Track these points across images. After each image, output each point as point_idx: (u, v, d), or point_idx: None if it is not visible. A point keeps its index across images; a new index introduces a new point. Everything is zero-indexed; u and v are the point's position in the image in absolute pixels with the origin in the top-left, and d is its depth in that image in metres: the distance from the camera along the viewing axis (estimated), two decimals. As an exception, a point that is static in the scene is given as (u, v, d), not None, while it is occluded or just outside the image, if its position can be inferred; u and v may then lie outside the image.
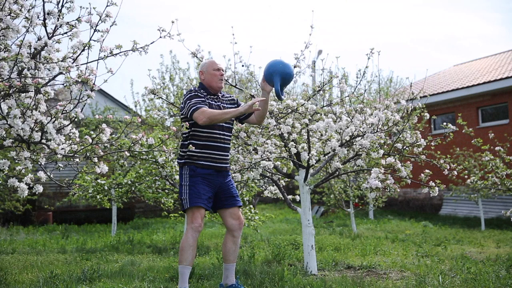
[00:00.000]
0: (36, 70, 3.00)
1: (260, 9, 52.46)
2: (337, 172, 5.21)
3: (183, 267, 3.64)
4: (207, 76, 3.93)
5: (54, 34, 3.12)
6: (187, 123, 3.63)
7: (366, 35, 45.33)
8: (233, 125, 4.06)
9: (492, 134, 6.99)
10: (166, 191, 8.17)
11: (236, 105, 4.03)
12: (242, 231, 3.96)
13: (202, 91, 3.89)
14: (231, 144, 4.10)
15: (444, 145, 11.26)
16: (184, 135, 3.86)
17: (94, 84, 3.00)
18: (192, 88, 3.89)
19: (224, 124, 3.88)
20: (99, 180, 8.16)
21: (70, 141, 3.21)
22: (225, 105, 3.95)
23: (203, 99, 3.79)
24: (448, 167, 4.52)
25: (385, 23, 48.04)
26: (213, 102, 3.88)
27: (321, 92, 5.04)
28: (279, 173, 5.14)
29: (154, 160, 6.52)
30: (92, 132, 3.33)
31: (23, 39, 2.98)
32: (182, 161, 3.81)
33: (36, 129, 2.98)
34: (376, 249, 6.56)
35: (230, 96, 4.09)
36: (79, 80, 2.96)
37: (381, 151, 4.52)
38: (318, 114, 4.88)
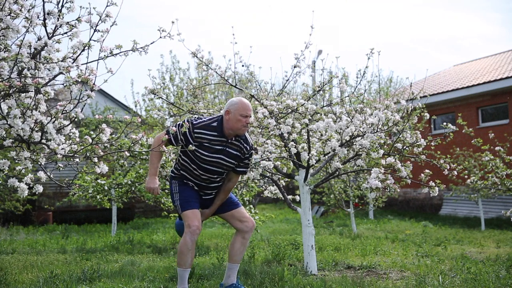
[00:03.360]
0: (36, 70, 3.00)
1: (260, 9, 52.48)
2: (337, 172, 5.21)
3: (182, 270, 3.65)
4: (232, 118, 3.62)
5: (54, 34, 3.12)
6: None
7: (366, 35, 45.36)
8: (225, 171, 3.79)
9: (492, 134, 6.99)
10: (166, 191, 8.17)
11: (242, 156, 3.76)
12: (252, 232, 3.92)
13: (201, 132, 3.62)
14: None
15: (444, 145, 11.26)
16: (176, 158, 3.89)
17: (94, 84, 3.00)
18: (197, 119, 3.70)
19: (213, 168, 3.70)
20: (99, 180, 8.16)
21: (70, 141, 3.21)
22: (231, 150, 3.70)
23: (181, 136, 3.61)
24: (448, 167, 4.52)
25: (385, 23, 48.07)
26: (218, 147, 3.67)
27: (321, 92, 5.04)
28: (279, 173, 5.14)
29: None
30: (92, 132, 3.34)
31: (23, 39, 2.98)
32: (172, 175, 3.87)
33: (36, 129, 2.98)
34: (376, 249, 6.56)
35: (244, 146, 3.75)
36: (79, 80, 2.96)
37: (381, 151, 4.52)
38: (318, 114, 4.88)
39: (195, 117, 3.80)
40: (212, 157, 3.66)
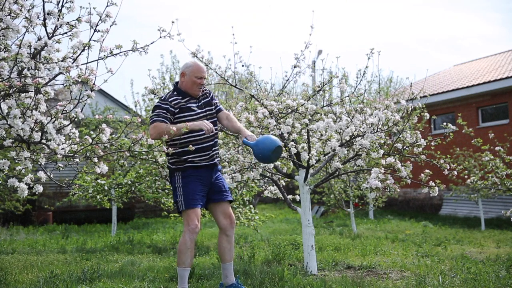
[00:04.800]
0: (36, 70, 3.00)
1: (260, 9, 52.48)
2: (337, 172, 5.21)
3: (182, 270, 3.64)
4: (187, 80, 3.82)
5: (54, 34, 3.12)
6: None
7: (366, 35, 45.36)
8: (213, 119, 3.93)
9: (492, 134, 7.00)
10: (166, 191, 8.17)
11: (211, 100, 3.93)
12: (234, 229, 3.94)
13: (174, 98, 3.76)
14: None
15: (444, 145, 11.24)
16: (169, 143, 3.79)
17: (94, 84, 3.00)
18: (162, 97, 3.82)
19: (213, 120, 3.85)
20: (99, 180, 8.16)
21: (70, 141, 3.21)
22: (202, 101, 3.88)
23: (164, 111, 3.68)
24: (448, 167, 4.52)
25: (385, 23, 48.07)
26: (193, 104, 3.82)
27: (321, 92, 5.04)
28: (279, 173, 5.14)
29: (154, 160, 6.51)
30: (92, 132, 3.33)
31: (23, 39, 2.98)
32: (173, 167, 3.79)
33: (36, 129, 2.98)
34: (376, 249, 6.56)
35: (206, 93, 3.94)
36: (79, 80, 2.96)
37: (381, 151, 4.52)
38: (318, 114, 4.88)
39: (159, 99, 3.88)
40: (198, 114, 3.79)
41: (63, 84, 2.95)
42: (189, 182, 3.70)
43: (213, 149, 3.86)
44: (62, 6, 3.12)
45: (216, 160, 3.88)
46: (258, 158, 3.72)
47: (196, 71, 3.81)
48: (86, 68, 3.05)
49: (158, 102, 3.79)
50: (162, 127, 3.57)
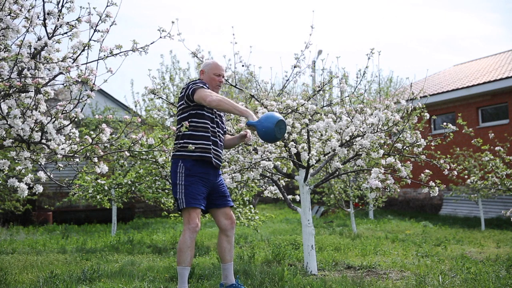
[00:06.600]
0: (36, 70, 3.00)
1: (260, 9, 52.48)
2: (337, 172, 5.21)
3: (182, 268, 3.62)
4: (206, 78, 3.88)
5: (54, 34, 3.11)
6: (186, 122, 3.58)
7: (366, 35, 45.37)
8: (223, 125, 4.00)
9: (492, 134, 7.00)
10: (166, 191, 8.17)
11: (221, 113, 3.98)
12: (234, 229, 3.95)
13: None
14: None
15: (444, 145, 11.25)
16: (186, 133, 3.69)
17: (94, 84, 2.99)
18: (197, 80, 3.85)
19: (223, 125, 3.88)
20: (99, 180, 8.16)
21: (70, 141, 3.21)
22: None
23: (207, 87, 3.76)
24: (448, 167, 4.52)
25: (385, 23, 48.08)
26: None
27: (321, 92, 5.04)
28: (279, 173, 5.14)
29: (154, 160, 6.51)
30: (92, 132, 3.33)
31: (23, 39, 2.98)
32: (179, 153, 3.68)
33: (36, 129, 2.98)
34: (376, 249, 6.56)
35: None
36: (79, 80, 2.96)
37: (381, 151, 4.52)
38: (318, 114, 4.88)
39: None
40: (213, 112, 3.81)
41: (63, 84, 2.95)
42: (192, 182, 3.65)
43: (222, 151, 3.90)
44: (62, 6, 3.12)
45: (221, 163, 3.90)
46: (262, 134, 3.58)
47: (215, 69, 3.88)
48: (86, 68, 3.05)
49: (200, 81, 3.77)
50: (228, 101, 3.56)
